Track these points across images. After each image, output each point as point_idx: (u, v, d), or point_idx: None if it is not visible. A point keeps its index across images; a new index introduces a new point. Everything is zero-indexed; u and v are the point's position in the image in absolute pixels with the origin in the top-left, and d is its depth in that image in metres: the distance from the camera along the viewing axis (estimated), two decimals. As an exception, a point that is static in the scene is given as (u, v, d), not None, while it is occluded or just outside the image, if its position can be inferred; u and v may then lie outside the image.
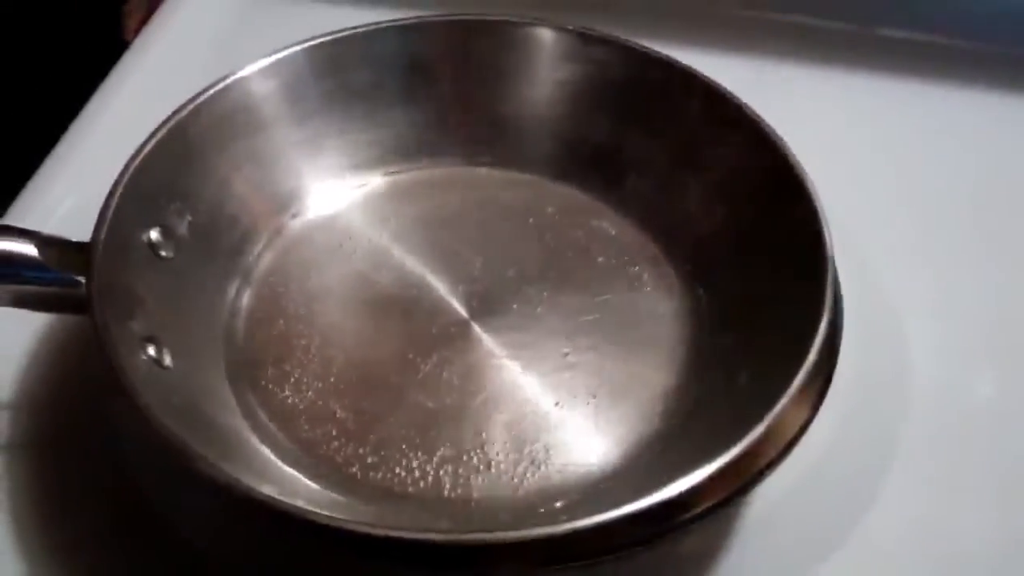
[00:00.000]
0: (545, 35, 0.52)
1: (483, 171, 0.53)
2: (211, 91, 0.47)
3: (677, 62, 0.50)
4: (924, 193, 0.55)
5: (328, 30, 0.51)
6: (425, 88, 0.52)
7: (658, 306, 0.48)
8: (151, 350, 0.42)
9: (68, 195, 0.53)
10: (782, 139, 0.46)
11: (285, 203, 0.51)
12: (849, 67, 0.61)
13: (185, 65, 0.59)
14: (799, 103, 0.57)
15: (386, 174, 0.53)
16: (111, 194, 0.43)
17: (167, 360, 0.42)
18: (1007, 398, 0.47)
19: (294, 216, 0.51)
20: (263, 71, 0.49)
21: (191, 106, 0.47)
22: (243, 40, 0.61)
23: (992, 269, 0.52)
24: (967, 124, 0.58)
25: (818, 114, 0.58)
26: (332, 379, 0.45)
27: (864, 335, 0.45)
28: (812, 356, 0.40)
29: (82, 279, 0.41)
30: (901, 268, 0.51)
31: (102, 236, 0.42)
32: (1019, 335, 0.49)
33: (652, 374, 0.46)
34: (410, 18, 0.52)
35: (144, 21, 0.63)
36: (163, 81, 0.58)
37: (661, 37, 0.53)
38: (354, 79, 0.51)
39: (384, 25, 0.51)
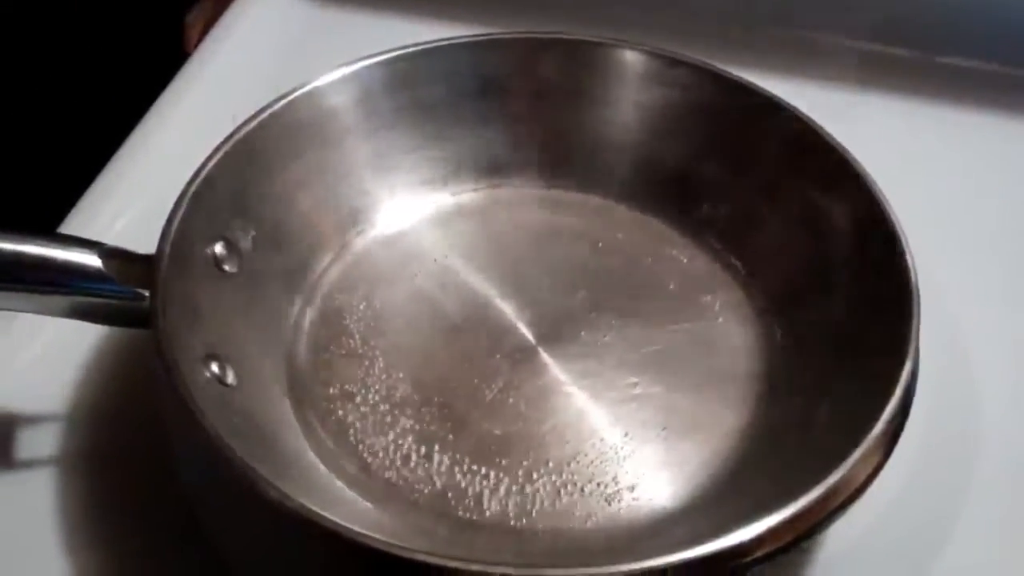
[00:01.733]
0: (625, 56, 0.51)
1: (554, 193, 0.52)
2: (280, 103, 0.47)
3: (762, 90, 0.48)
4: (1004, 230, 0.53)
5: (395, 44, 0.50)
6: (498, 107, 0.51)
7: (731, 338, 0.46)
8: (214, 367, 0.41)
9: (127, 207, 0.52)
10: (872, 178, 0.45)
11: (352, 219, 0.50)
12: (921, 95, 0.59)
13: (246, 77, 0.59)
14: (876, 131, 0.55)
15: (455, 192, 0.52)
16: (177, 205, 0.42)
17: (230, 378, 0.42)
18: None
19: (360, 233, 0.50)
20: (335, 84, 0.48)
21: (259, 118, 0.46)
22: (306, 53, 0.60)
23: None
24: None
25: (897, 143, 0.56)
26: (396, 402, 0.44)
27: (936, 376, 0.43)
28: (893, 405, 0.38)
29: (146, 292, 0.40)
30: (976, 308, 0.49)
31: (167, 249, 0.41)
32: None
33: (723, 409, 0.44)
34: (484, 35, 0.51)
35: (206, 32, 0.62)
36: (224, 93, 0.58)
37: (732, 60, 0.52)
38: (426, 95, 0.50)
39: (458, 41, 0.50)
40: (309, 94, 0.47)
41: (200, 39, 0.63)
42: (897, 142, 0.56)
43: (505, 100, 0.51)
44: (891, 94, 0.59)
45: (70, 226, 0.51)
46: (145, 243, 0.42)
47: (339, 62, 0.49)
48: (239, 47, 0.62)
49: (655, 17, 0.59)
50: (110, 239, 0.42)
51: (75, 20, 0.68)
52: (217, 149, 0.44)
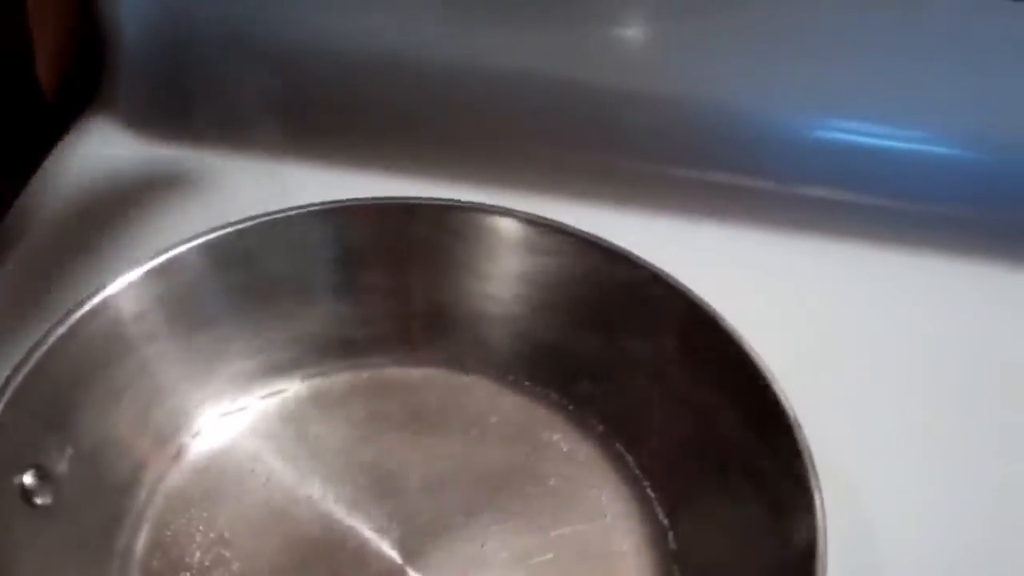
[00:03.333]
0: (496, 223, 0.45)
1: (419, 373, 0.46)
2: (74, 317, 0.39)
3: (643, 261, 0.44)
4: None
5: (247, 192, 0.45)
6: (353, 280, 0.46)
7: (621, 540, 0.42)
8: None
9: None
10: (758, 354, 0.41)
11: (183, 424, 0.43)
12: (775, 227, 0.56)
13: (72, 234, 0.52)
14: (733, 266, 0.52)
15: (306, 378, 0.46)
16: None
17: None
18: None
19: (195, 437, 0.43)
20: (141, 281, 0.41)
21: (52, 338, 0.39)
22: (140, 202, 0.54)
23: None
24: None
25: (754, 279, 0.52)
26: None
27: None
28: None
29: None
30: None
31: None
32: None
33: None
34: (338, 201, 0.45)
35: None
36: (44, 260, 0.51)
37: (593, 204, 0.49)
38: (264, 272, 0.44)
39: (301, 211, 0.44)
40: (100, 305, 0.40)
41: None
42: (753, 277, 0.52)
43: (362, 273, 0.46)
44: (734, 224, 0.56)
45: None
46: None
47: (180, 213, 0.43)
48: (66, 195, 0.55)
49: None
50: None
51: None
52: (12, 375, 0.37)
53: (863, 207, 0.57)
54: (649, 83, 0.57)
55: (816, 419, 0.40)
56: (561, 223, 0.45)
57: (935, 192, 0.57)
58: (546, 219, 0.45)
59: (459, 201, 0.46)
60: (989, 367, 0.51)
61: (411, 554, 0.41)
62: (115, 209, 0.54)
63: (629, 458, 0.44)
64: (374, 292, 0.46)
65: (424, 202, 0.45)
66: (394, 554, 0.41)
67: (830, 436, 0.41)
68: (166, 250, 0.42)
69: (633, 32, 0.56)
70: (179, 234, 0.43)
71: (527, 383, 0.46)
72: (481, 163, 0.54)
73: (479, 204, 0.45)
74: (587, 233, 0.45)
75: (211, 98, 0.58)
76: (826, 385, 0.47)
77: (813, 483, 0.38)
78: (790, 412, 0.39)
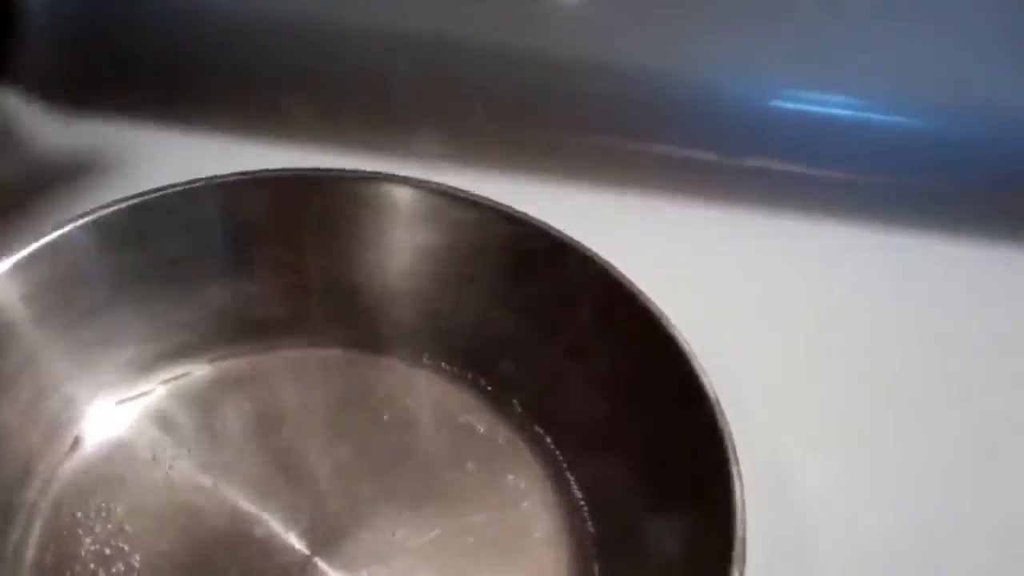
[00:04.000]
0: (398, 193, 0.43)
1: (324, 353, 0.44)
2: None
3: (553, 229, 0.42)
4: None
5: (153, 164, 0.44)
6: (252, 257, 0.44)
7: (538, 525, 0.40)
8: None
9: None
10: (673, 324, 0.40)
11: (77, 413, 0.41)
12: (709, 199, 0.55)
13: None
14: (657, 237, 0.51)
15: (206, 362, 0.44)
16: None
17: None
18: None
19: (90, 426, 0.41)
20: (16, 267, 0.39)
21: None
22: (46, 174, 0.52)
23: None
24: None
25: (679, 250, 0.52)
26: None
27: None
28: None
29: None
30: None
31: None
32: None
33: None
34: (230, 175, 0.43)
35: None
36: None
37: (516, 176, 0.48)
38: (157, 252, 0.42)
39: (193, 186, 0.42)
40: None
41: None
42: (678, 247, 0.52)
43: (261, 249, 0.44)
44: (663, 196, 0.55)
45: None
46: None
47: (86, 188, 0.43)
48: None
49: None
50: None
51: None
52: None
53: (801, 178, 0.56)
54: (585, 51, 0.55)
55: (737, 396, 0.39)
56: (468, 192, 0.43)
57: (875, 163, 0.56)
58: (451, 187, 0.43)
59: (360, 171, 0.44)
60: (921, 338, 0.50)
61: (319, 544, 0.39)
62: (13, 183, 0.52)
63: (548, 440, 0.42)
64: (276, 269, 0.44)
65: (320, 173, 0.44)
66: (302, 545, 0.39)
67: (751, 412, 0.40)
68: (52, 229, 0.40)
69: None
70: (78, 210, 0.41)
71: (443, 364, 0.44)
72: (396, 134, 0.53)
73: (381, 173, 0.44)
74: (496, 203, 0.43)
75: (116, 69, 0.56)
76: (749, 361, 0.46)
77: (732, 460, 0.37)
78: (709, 389, 0.38)
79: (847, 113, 0.57)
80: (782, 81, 0.57)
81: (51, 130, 0.55)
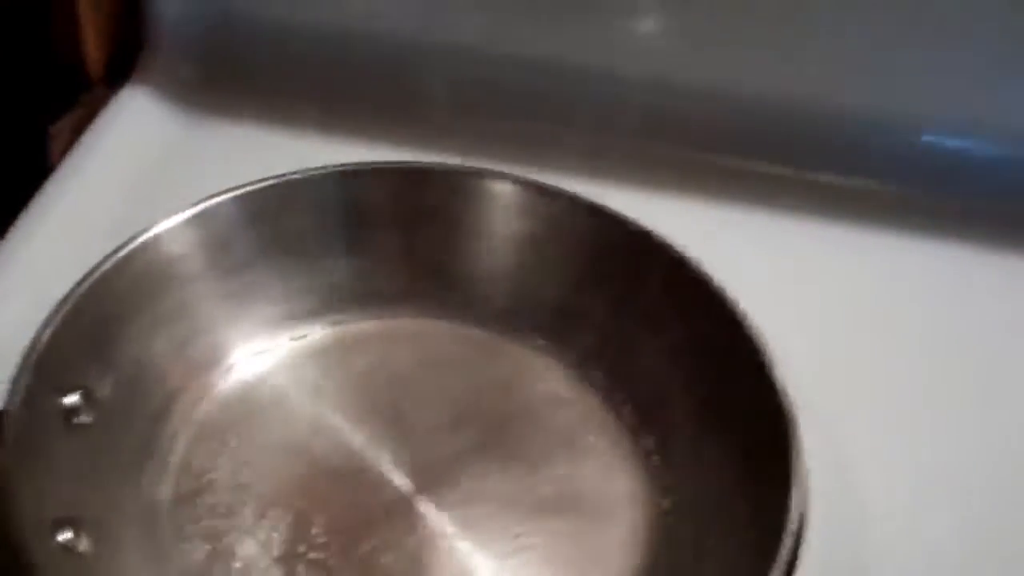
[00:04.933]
0: (498, 187, 0.49)
1: (430, 324, 0.50)
2: (124, 251, 0.44)
3: (633, 221, 0.48)
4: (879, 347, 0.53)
5: (272, 161, 0.48)
6: (369, 237, 0.50)
7: (615, 482, 0.45)
8: (68, 534, 0.39)
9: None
10: (742, 309, 0.44)
11: (215, 359, 0.47)
12: (794, 213, 0.58)
13: (115, 193, 0.55)
14: (746, 249, 0.54)
15: (327, 325, 0.50)
16: (25, 362, 0.39)
17: (83, 545, 0.39)
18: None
19: (226, 372, 0.47)
20: (185, 224, 0.46)
21: (103, 268, 0.43)
22: (175, 168, 0.58)
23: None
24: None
25: (766, 261, 0.54)
26: (265, 563, 0.41)
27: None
28: (782, 554, 0.38)
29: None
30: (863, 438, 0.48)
31: (16, 405, 0.38)
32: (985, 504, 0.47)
33: (611, 557, 0.43)
34: (351, 164, 0.49)
35: (72, 143, 0.59)
36: (90, 210, 0.54)
37: (605, 182, 0.52)
38: (290, 226, 0.48)
39: (323, 172, 0.48)
40: (154, 239, 0.45)
41: (66, 150, 0.59)
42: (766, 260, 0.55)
43: (376, 230, 0.50)
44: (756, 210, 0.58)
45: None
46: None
47: (211, 180, 0.47)
48: (108, 160, 0.58)
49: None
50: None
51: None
52: (62, 303, 0.41)
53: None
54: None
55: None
56: (556, 186, 0.49)
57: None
58: (542, 183, 0.49)
59: (464, 166, 0.50)
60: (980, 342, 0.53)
61: (420, 485, 0.44)
62: (151, 176, 0.58)
63: (623, 407, 0.47)
64: (387, 248, 0.50)
65: (429, 167, 0.50)
66: (406, 484, 0.44)
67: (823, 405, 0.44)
68: (206, 199, 0.46)
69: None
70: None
71: (532, 338, 0.49)
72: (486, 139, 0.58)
73: (480, 168, 0.50)
74: (581, 196, 0.49)
75: (246, 74, 0.62)
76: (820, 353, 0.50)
77: (795, 432, 0.41)
78: (768, 362, 0.42)
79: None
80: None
81: (177, 127, 0.61)
